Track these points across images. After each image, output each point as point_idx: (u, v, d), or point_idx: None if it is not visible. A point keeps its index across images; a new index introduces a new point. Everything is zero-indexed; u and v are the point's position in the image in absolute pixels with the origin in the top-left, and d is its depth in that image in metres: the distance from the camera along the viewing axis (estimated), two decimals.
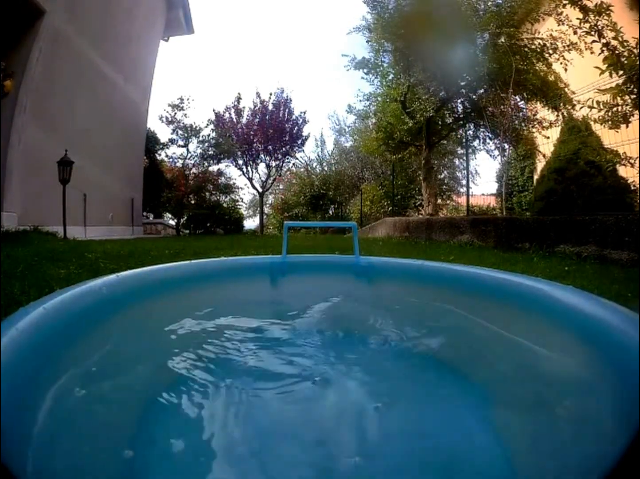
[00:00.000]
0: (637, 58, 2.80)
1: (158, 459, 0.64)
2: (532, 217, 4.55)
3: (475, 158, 11.54)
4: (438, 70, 7.01)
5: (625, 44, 2.88)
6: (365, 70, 8.06)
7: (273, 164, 13.09)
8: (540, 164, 7.08)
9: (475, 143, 8.66)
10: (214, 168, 12.46)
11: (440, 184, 14.42)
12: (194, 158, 11.85)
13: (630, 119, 3.07)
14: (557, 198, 4.33)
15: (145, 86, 10.48)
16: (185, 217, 11.91)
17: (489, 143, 8.35)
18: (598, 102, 3.14)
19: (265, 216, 16.47)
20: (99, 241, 5.26)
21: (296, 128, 12.88)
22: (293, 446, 0.68)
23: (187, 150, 11.75)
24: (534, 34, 6.60)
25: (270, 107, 12.73)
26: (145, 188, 10.48)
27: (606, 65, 2.89)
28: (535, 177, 6.71)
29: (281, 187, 18.77)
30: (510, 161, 9.25)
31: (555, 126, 6.57)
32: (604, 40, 2.99)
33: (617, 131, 3.40)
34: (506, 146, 7.25)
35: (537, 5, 6.43)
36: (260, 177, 13.27)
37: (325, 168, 18.23)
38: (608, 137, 4.36)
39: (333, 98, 41.45)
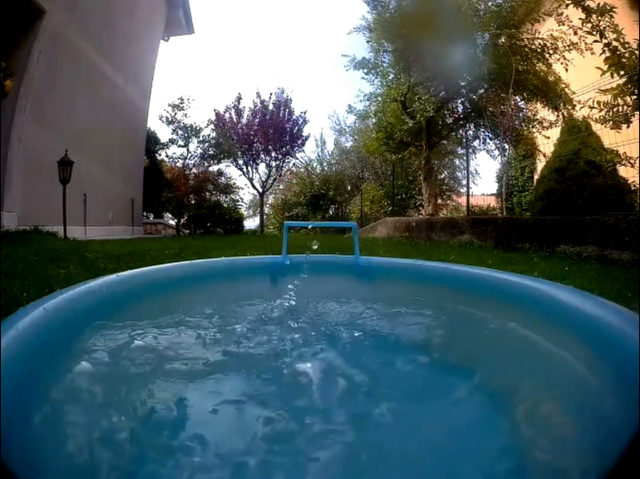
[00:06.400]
0: (638, 59, 2.80)
1: (160, 459, 0.64)
2: (532, 217, 4.55)
3: (476, 158, 11.54)
4: (438, 70, 7.01)
5: (626, 45, 2.88)
6: (365, 70, 8.05)
7: (273, 164, 13.08)
8: (540, 164, 7.08)
9: (476, 143, 8.66)
10: (214, 168, 12.50)
11: (441, 184, 14.41)
12: (194, 158, 11.88)
13: (631, 120, 3.06)
14: (558, 198, 4.33)
15: (145, 86, 10.49)
16: (186, 217, 11.93)
17: (489, 143, 8.36)
18: (599, 103, 3.13)
19: (265, 216, 16.47)
20: (99, 241, 5.26)
21: (296, 128, 12.86)
22: (298, 443, 0.68)
23: (187, 150, 11.78)
24: (534, 34, 6.59)
25: (271, 107, 12.72)
26: (146, 188, 10.49)
27: (607, 65, 2.89)
28: (536, 177, 6.71)
29: (281, 187, 18.76)
30: (511, 161, 9.25)
31: (556, 126, 6.57)
32: (605, 41, 2.99)
33: (618, 131, 3.40)
34: (506, 146, 7.26)
35: (538, 6, 6.43)
36: (260, 177, 13.27)
37: (326, 168, 18.20)
38: (608, 138, 4.36)
39: (333, 98, 41.46)
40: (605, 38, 3.01)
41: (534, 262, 3.19)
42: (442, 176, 15.25)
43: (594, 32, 3.08)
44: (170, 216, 12.84)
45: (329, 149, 18.81)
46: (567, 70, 6.27)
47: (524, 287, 1.07)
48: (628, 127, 3.15)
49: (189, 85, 46.23)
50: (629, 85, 2.88)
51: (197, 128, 11.64)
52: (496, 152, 8.32)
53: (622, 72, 2.88)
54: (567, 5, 3.42)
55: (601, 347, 0.68)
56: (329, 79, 42.07)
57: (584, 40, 5.16)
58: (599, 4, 3.11)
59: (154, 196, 11.45)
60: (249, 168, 12.91)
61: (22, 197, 5.85)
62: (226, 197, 13.09)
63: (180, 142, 11.69)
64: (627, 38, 2.93)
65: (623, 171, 4.02)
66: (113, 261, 2.82)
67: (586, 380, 0.71)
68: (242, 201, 14.39)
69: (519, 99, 7.34)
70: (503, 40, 6.32)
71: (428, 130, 7.81)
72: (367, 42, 7.81)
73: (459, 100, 8.13)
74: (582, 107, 3.70)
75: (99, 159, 7.91)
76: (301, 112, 13.01)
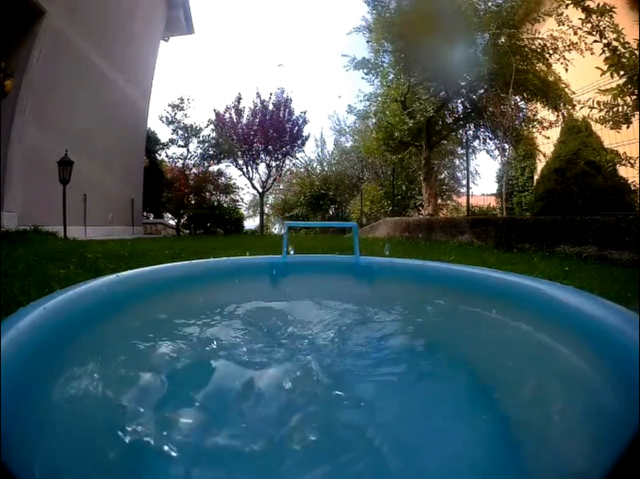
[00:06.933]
0: (638, 59, 2.80)
1: (161, 459, 0.64)
2: (533, 217, 4.55)
3: (476, 158, 11.55)
4: (438, 70, 7.01)
5: (626, 45, 2.88)
6: (365, 71, 8.06)
7: (273, 164, 13.07)
8: (540, 164, 7.09)
9: (476, 143, 8.67)
10: (214, 168, 12.48)
11: (441, 184, 14.42)
12: (194, 158, 11.87)
13: (631, 120, 3.07)
14: (558, 198, 4.33)
15: (145, 86, 10.48)
16: (186, 217, 11.93)
17: (489, 143, 8.37)
18: (599, 103, 3.14)
19: (265, 216, 16.46)
20: (99, 241, 5.26)
21: (296, 128, 12.85)
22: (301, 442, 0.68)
23: (187, 150, 11.78)
24: (534, 34, 6.60)
25: (271, 107, 12.71)
26: (146, 188, 10.49)
27: (607, 65, 2.89)
28: (536, 177, 6.71)
29: (281, 187, 18.76)
30: (511, 161, 9.25)
31: (556, 126, 6.57)
32: (605, 41, 2.99)
33: (618, 132, 3.40)
34: (506, 146, 7.26)
35: (538, 6, 6.43)
36: (260, 177, 13.26)
37: (326, 168, 18.20)
38: (608, 138, 4.36)
39: (333, 98, 41.44)
40: (605, 38, 3.01)
41: (534, 262, 3.19)
42: (442, 176, 15.25)
43: (594, 32, 3.09)
44: (170, 216, 12.84)
45: (329, 149, 18.83)
46: (567, 70, 6.28)
47: (524, 287, 1.07)
48: (628, 127, 3.15)
49: (189, 85, 46.18)
50: (629, 86, 2.88)
51: (197, 128, 11.64)
52: (496, 152, 8.33)
53: (622, 72, 2.88)
54: (567, 5, 3.42)
55: (601, 347, 0.68)
56: (329, 79, 42.05)
57: (584, 40, 5.16)
58: (599, 4, 3.11)
59: (154, 196, 11.44)
60: (249, 168, 12.90)
61: (22, 197, 5.84)
62: (226, 197, 13.08)
63: (180, 142, 11.69)
64: (627, 38, 2.94)
65: (623, 171, 4.02)
66: (113, 261, 2.82)
67: (586, 380, 0.71)
68: (242, 201, 14.39)
69: (519, 99, 7.34)
70: (503, 40, 6.33)
71: (428, 130, 7.82)
72: (367, 42, 7.83)
73: (459, 100, 8.14)
74: (582, 107, 3.70)
75: (99, 159, 7.90)
76: (301, 112, 13.01)
